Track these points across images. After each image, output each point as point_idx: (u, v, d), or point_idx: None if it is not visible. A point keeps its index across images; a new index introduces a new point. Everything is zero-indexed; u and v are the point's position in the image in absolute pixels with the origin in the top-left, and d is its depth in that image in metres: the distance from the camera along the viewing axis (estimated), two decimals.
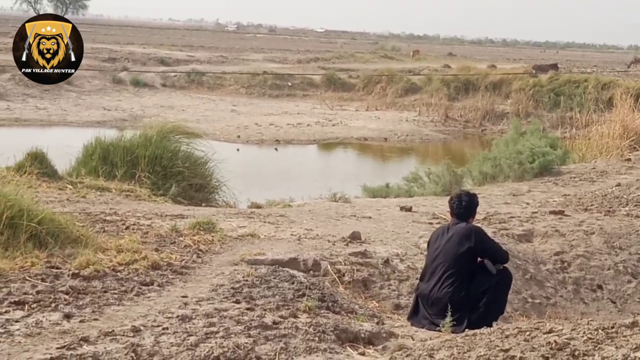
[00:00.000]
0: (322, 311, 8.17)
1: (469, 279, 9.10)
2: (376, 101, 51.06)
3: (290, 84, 55.85)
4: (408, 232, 13.01)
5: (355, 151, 38.22)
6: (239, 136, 37.47)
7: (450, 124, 45.39)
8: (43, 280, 8.17)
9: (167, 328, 7.12)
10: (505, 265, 9.71)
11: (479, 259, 9.37)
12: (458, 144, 41.28)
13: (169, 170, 17.34)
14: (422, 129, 43.11)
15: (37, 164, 15.45)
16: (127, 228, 11.40)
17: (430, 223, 13.96)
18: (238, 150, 33.72)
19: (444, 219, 14.43)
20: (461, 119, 46.15)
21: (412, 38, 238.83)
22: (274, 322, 7.51)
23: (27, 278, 8.16)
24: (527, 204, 17.41)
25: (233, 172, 19.45)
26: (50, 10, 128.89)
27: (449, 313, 8.65)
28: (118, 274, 8.70)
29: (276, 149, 35.88)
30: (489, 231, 10.75)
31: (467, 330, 8.32)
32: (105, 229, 11.17)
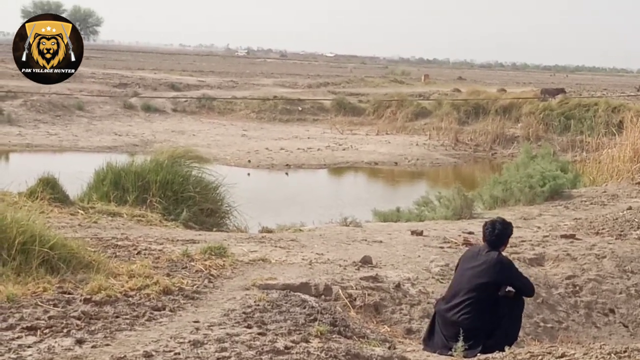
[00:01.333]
0: (333, 336, 8.16)
1: (489, 307, 9.08)
2: (386, 125, 51.04)
3: (300, 108, 55.91)
4: (419, 256, 13.00)
5: (366, 175, 38.20)
6: (249, 161, 37.50)
7: (460, 148, 45.35)
8: (55, 305, 8.18)
9: (179, 353, 7.12)
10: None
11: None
12: (468, 167, 41.23)
13: (180, 195, 17.36)
14: (433, 153, 43.08)
15: (49, 190, 15.49)
16: (138, 253, 11.42)
17: (442, 247, 13.94)
18: (249, 174, 33.74)
19: (455, 243, 14.43)
20: (471, 142, 46.09)
21: (422, 62, 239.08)
22: (286, 347, 7.51)
23: (39, 303, 8.18)
24: (538, 227, 17.38)
25: (244, 197, 19.47)
26: None
27: (461, 337, 8.63)
28: (130, 299, 8.70)
29: (287, 174, 35.88)
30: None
31: (479, 355, 8.33)
32: (117, 254, 11.18)
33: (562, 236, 15.63)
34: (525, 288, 9.61)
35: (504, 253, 9.66)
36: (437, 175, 38.81)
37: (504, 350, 8.73)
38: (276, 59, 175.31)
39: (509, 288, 9.37)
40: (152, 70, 77.95)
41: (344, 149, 42.04)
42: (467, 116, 49.06)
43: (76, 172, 18.15)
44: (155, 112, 52.16)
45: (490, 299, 9.13)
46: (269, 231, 16.78)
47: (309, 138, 45.65)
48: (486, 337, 8.91)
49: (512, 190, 21.91)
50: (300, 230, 16.88)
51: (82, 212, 15.19)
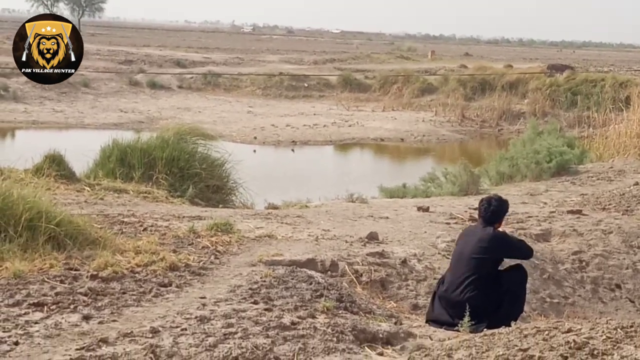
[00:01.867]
0: (340, 311, 8.17)
1: (491, 283, 9.07)
2: (392, 102, 50.99)
3: (306, 85, 55.85)
4: (425, 232, 12.99)
5: (372, 152, 38.20)
6: (255, 137, 37.50)
7: (466, 124, 45.30)
8: (62, 281, 8.20)
9: (185, 329, 7.14)
10: (519, 263, 9.73)
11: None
12: (475, 144, 41.20)
13: (186, 171, 17.37)
14: (439, 129, 43.04)
15: (55, 167, 15.49)
16: (144, 230, 11.42)
17: (448, 223, 13.93)
18: (255, 151, 33.74)
19: (462, 219, 14.42)
20: (478, 119, 46.05)
21: (428, 38, 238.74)
22: (292, 323, 7.52)
23: (46, 280, 8.19)
24: (545, 203, 17.36)
25: (250, 174, 19.48)
26: (67, 13, 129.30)
27: (467, 313, 8.63)
28: (136, 275, 8.72)
29: (293, 150, 35.90)
30: (506, 231, 10.70)
31: (485, 330, 8.34)
32: (123, 230, 11.19)
33: (569, 212, 15.60)
34: (523, 253, 9.66)
35: (500, 229, 9.65)
36: (444, 152, 38.79)
37: (509, 325, 8.76)
38: (282, 36, 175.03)
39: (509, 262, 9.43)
40: (157, 47, 77.98)
41: (350, 126, 42.02)
42: (473, 92, 49.00)
43: (82, 149, 18.15)
44: (161, 88, 52.17)
45: (490, 275, 9.12)
46: (275, 207, 16.77)
47: (314, 114, 45.63)
48: (491, 313, 8.90)
49: (518, 166, 21.88)
50: (307, 206, 16.88)
51: (88, 188, 15.20)
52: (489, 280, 9.06)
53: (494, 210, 9.44)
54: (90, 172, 16.99)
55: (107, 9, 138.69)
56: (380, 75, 56.40)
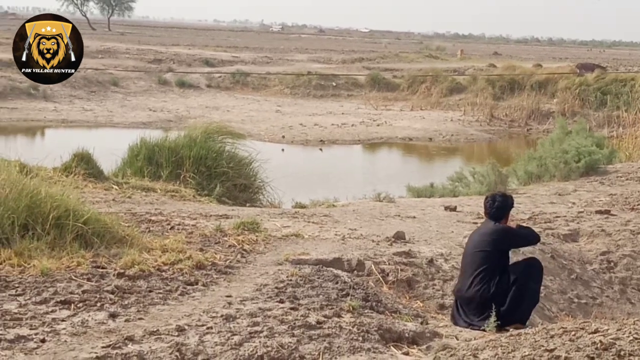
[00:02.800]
0: (365, 311, 8.16)
1: (499, 276, 9.05)
2: (421, 101, 50.94)
3: (334, 84, 55.85)
4: (452, 231, 12.97)
5: (400, 151, 38.16)
6: (283, 136, 37.54)
7: (495, 123, 45.18)
8: (89, 279, 8.23)
9: (211, 327, 7.15)
10: (539, 260, 9.73)
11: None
12: (503, 143, 41.07)
13: (213, 170, 17.42)
14: (467, 129, 42.94)
15: (84, 165, 15.59)
16: (172, 228, 11.45)
17: (475, 223, 13.87)
18: (283, 150, 33.81)
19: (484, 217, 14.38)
20: (506, 118, 45.92)
21: (457, 37, 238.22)
22: (318, 322, 7.52)
23: (73, 277, 8.23)
24: (573, 203, 17.27)
25: (277, 173, 19.50)
26: (96, 12, 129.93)
27: (494, 313, 8.61)
28: (163, 273, 8.74)
29: (321, 149, 35.90)
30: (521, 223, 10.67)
31: (499, 322, 8.36)
32: (151, 229, 11.22)
33: (597, 212, 15.53)
34: (528, 240, 9.73)
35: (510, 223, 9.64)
36: (472, 151, 38.70)
37: (524, 316, 8.76)
38: (311, 35, 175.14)
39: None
40: (186, 46, 78.23)
41: (378, 125, 42.00)
42: (502, 91, 48.85)
43: (111, 147, 18.24)
44: (190, 87, 52.35)
45: (497, 267, 9.09)
46: (302, 206, 16.79)
47: (343, 114, 45.64)
48: (501, 304, 8.88)
49: (546, 166, 21.78)
50: (334, 205, 16.88)
51: (116, 187, 15.27)
52: (495, 273, 9.04)
53: (499, 206, 9.43)
54: (118, 170, 17.08)
55: (136, 8, 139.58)
56: (408, 75, 56.35)
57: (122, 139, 21.40)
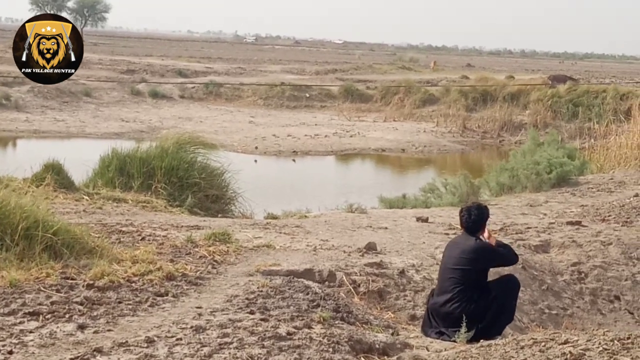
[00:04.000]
0: (336, 322, 8.15)
1: (478, 293, 9.04)
2: (394, 112, 51.00)
3: (308, 95, 55.84)
4: (424, 242, 12.98)
5: (373, 162, 38.16)
6: (256, 147, 37.50)
7: (468, 134, 45.29)
8: (58, 291, 8.19)
9: (181, 339, 7.13)
10: (511, 272, 9.75)
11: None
12: (476, 154, 41.17)
13: (185, 181, 17.37)
14: (440, 140, 43.03)
15: (54, 175, 15.50)
16: (142, 239, 11.42)
17: (447, 234, 13.90)
18: (256, 161, 33.75)
19: (461, 229, 14.39)
20: (479, 129, 46.05)
21: (430, 49, 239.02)
22: (288, 333, 7.51)
23: (42, 289, 8.19)
24: (544, 214, 17.33)
25: (250, 184, 19.47)
26: None
27: (464, 324, 8.61)
28: (133, 284, 8.71)
29: (294, 160, 35.87)
30: (505, 241, 10.68)
31: (475, 339, 8.34)
32: (121, 240, 11.19)
33: (568, 223, 15.58)
34: (508, 260, 9.62)
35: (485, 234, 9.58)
36: (445, 162, 38.76)
37: (499, 333, 8.76)
38: (284, 46, 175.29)
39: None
40: (159, 56, 78.04)
41: (351, 136, 42.01)
42: (475, 103, 48.97)
43: (82, 158, 18.16)
44: (163, 98, 52.20)
45: (477, 285, 9.09)
46: (274, 217, 16.77)
47: (316, 125, 45.62)
48: (479, 321, 8.87)
49: (518, 177, 21.84)
50: (306, 216, 16.87)
51: (87, 198, 15.21)
52: (475, 290, 9.03)
53: (475, 219, 9.39)
54: (89, 181, 17.00)
55: (109, 19, 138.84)
56: (382, 86, 56.38)
57: (94, 150, 21.30)
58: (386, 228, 14.56)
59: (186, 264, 9.88)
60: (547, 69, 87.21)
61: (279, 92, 55.25)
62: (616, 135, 31.38)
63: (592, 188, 21.16)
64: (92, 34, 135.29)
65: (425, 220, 15.66)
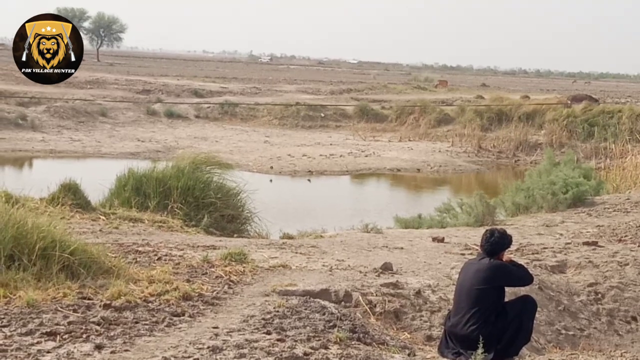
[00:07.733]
0: (353, 342, 8.14)
1: (495, 315, 8.98)
2: (409, 132, 51.07)
3: (323, 115, 55.94)
4: (440, 263, 12.95)
5: (388, 182, 38.15)
6: (271, 167, 37.53)
7: (483, 154, 45.27)
8: (75, 311, 8.20)
9: (197, 359, 7.12)
10: (528, 293, 9.69)
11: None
12: (491, 174, 41.12)
13: (201, 201, 17.40)
14: (455, 160, 43.00)
15: (71, 195, 15.56)
16: (159, 259, 11.43)
17: (463, 254, 13.89)
18: (271, 181, 33.77)
19: (477, 249, 14.36)
20: (494, 149, 46.02)
21: (446, 69, 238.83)
22: (305, 354, 7.49)
23: (59, 309, 8.19)
24: (561, 234, 17.29)
25: (265, 203, 19.48)
26: (86, 42, 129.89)
27: (481, 345, 8.57)
28: (149, 304, 8.71)
29: (309, 180, 35.88)
30: (521, 262, 10.64)
31: (486, 354, 8.30)
32: (138, 259, 11.20)
33: (585, 243, 15.54)
34: (523, 281, 9.55)
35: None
36: (460, 182, 38.73)
37: (516, 353, 8.71)
38: (299, 66, 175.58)
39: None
40: (175, 76, 78.28)
41: (366, 156, 42.03)
42: (490, 123, 48.99)
43: (98, 178, 18.21)
44: (178, 118, 52.38)
45: (494, 306, 9.02)
46: (290, 237, 16.77)
47: (331, 144, 45.68)
48: (497, 343, 8.83)
49: (534, 197, 21.81)
50: (321, 236, 16.87)
51: (103, 217, 15.24)
52: (493, 312, 8.96)
53: (494, 242, 9.26)
54: (105, 201, 17.04)
55: (125, 39, 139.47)
56: (397, 106, 56.49)
57: (110, 170, 21.34)
58: (402, 248, 14.54)
59: (202, 284, 9.88)
60: (562, 89, 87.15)
61: (294, 112, 55.39)
62: (632, 155, 31.35)
63: (608, 208, 21.10)
64: (108, 54, 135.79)
65: (441, 240, 15.64)
